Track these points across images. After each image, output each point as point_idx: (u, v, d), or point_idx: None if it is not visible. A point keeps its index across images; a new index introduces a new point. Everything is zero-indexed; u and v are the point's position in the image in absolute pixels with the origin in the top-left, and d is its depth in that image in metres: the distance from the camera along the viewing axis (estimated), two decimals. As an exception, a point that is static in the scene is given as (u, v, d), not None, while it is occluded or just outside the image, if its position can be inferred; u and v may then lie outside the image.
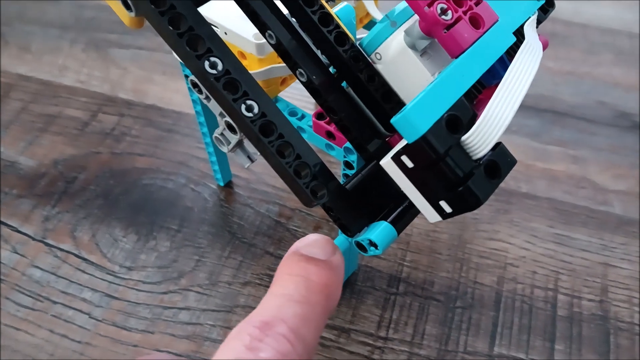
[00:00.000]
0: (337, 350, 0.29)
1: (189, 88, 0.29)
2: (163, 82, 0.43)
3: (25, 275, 0.32)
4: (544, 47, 0.24)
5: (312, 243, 0.18)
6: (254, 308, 0.30)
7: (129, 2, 0.18)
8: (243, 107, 0.17)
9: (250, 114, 0.17)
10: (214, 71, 0.17)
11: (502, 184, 0.34)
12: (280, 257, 0.33)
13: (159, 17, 0.17)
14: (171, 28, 0.17)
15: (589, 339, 0.30)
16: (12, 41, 0.47)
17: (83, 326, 0.30)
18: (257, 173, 0.37)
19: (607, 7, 0.49)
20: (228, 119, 0.18)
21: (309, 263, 0.17)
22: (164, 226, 0.34)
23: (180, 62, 0.27)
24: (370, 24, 0.29)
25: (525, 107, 0.40)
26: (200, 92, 0.18)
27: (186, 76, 0.29)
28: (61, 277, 0.32)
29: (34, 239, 0.34)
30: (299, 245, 0.18)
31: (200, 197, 0.36)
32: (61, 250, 0.33)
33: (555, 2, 0.25)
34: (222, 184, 0.36)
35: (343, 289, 0.31)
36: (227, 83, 0.17)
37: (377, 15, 0.27)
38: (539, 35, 0.22)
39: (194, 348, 0.29)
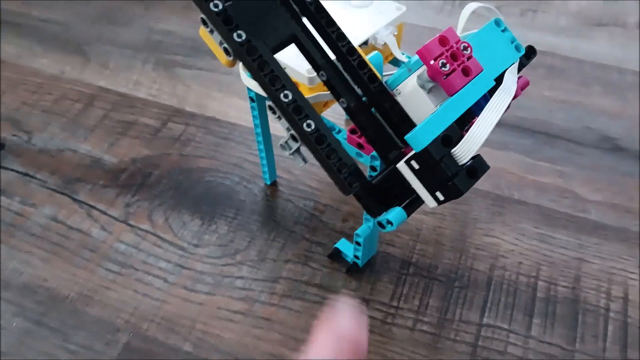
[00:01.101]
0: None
1: (252, 107, 0.38)
2: (220, 98, 0.51)
3: (112, 248, 0.41)
4: (524, 86, 0.31)
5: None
6: (293, 280, 0.40)
7: (229, 50, 0.26)
8: (305, 124, 0.25)
9: (309, 129, 0.25)
10: (286, 100, 0.25)
11: (497, 192, 0.42)
12: (315, 243, 0.41)
13: (251, 63, 0.25)
14: (259, 71, 0.25)
15: (561, 316, 0.37)
16: (93, 59, 0.56)
17: (160, 288, 0.38)
18: (296, 175, 0.45)
19: (601, 45, 0.56)
20: (293, 132, 0.27)
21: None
22: (222, 214, 0.42)
23: (247, 87, 0.36)
24: (393, 60, 0.37)
25: (522, 129, 0.48)
26: (274, 113, 0.27)
27: (251, 98, 0.37)
28: (141, 250, 0.41)
29: (118, 220, 0.42)
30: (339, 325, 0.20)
31: (251, 193, 0.44)
32: (141, 229, 0.42)
33: (556, 39, 0.32)
34: (268, 182, 0.44)
35: (365, 268, 0.39)
36: (295, 108, 0.25)
37: (399, 55, 0.35)
38: (521, 76, 0.30)
39: (247, 307, 0.37)
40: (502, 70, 0.27)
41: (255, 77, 0.26)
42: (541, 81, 0.52)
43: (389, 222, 0.26)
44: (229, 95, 0.52)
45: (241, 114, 0.50)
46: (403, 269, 0.39)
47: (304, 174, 0.45)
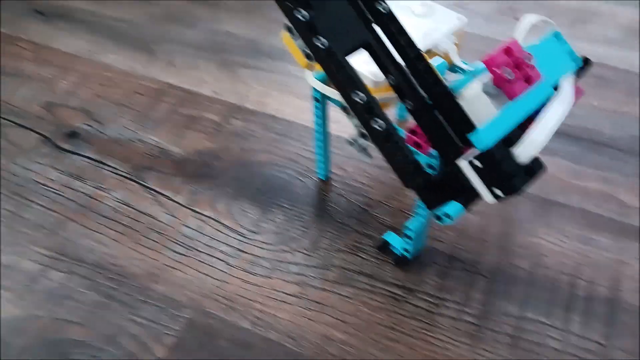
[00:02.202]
0: (405, 303, 0.39)
1: (315, 106, 0.40)
2: (278, 97, 0.55)
3: (178, 232, 0.44)
4: (580, 95, 0.33)
5: None
6: (344, 268, 0.42)
7: (310, 54, 0.29)
8: (375, 123, 0.28)
9: (379, 128, 0.28)
10: (359, 100, 0.28)
11: (543, 195, 0.44)
12: (364, 235, 0.43)
13: (330, 66, 0.28)
14: (337, 73, 0.28)
15: (600, 314, 0.39)
16: (160, 57, 0.60)
17: (221, 269, 0.42)
18: (349, 172, 0.48)
19: (649, 56, 0.57)
20: (362, 129, 0.29)
21: None
22: (279, 204, 0.46)
23: (313, 88, 0.39)
24: (451, 67, 0.40)
25: (569, 136, 0.50)
26: (347, 112, 0.29)
27: (316, 99, 0.40)
28: (205, 235, 0.44)
29: (183, 206, 0.46)
30: None
31: (306, 186, 0.47)
32: (204, 215, 0.45)
33: (605, 50, 0.33)
34: (323, 177, 0.47)
35: (412, 261, 0.42)
36: (367, 108, 0.28)
37: (459, 62, 0.37)
38: (577, 86, 0.32)
39: (301, 290, 0.40)
40: (560, 79, 0.30)
41: (332, 79, 0.28)
42: (590, 90, 0.53)
43: (447, 216, 0.29)
44: (286, 94, 0.55)
45: (297, 112, 0.53)
46: (449, 263, 0.42)
47: (356, 171, 0.48)
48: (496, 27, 0.61)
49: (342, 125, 0.46)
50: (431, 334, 0.38)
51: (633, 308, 0.39)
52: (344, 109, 0.29)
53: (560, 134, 0.50)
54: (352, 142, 0.31)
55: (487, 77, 0.28)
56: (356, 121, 0.29)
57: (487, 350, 0.37)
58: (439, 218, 0.29)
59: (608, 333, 0.38)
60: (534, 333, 0.38)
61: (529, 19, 0.31)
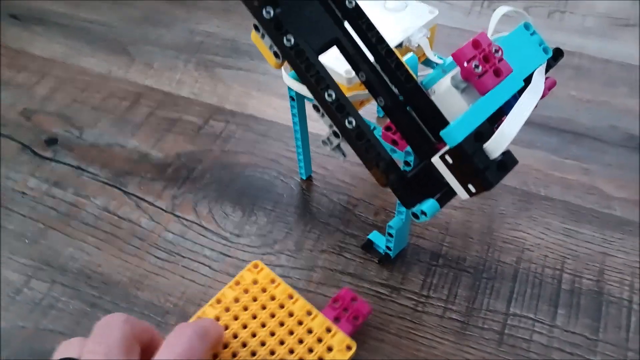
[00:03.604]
0: (390, 302, 0.39)
1: (291, 105, 0.40)
2: (259, 97, 0.54)
3: (160, 237, 0.44)
4: (551, 86, 0.33)
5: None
6: (328, 269, 0.42)
7: (278, 53, 0.28)
8: (347, 121, 0.28)
9: (350, 126, 0.28)
10: (330, 99, 0.28)
11: (524, 188, 0.44)
12: (348, 234, 0.43)
13: (299, 65, 0.28)
14: (307, 72, 0.28)
15: (585, 307, 0.38)
16: (138, 59, 0.59)
17: (205, 274, 0.41)
18: (331, 171, 0.47)
19: (628, 46, 0.57)
20: (335, 128, 0.29)
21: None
22: (261, 206, 0.45)
23: (288, 87, 0.38)
24: (425, 61, 0.39)
25: (549, 127, 0.50)
26: (318, 111, 0.29)
27: (291, 97, 0.40)
28: (188, 240, 0.43)
29: (165, 211, 0.45)
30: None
31: (288, 187, 0.47)
32: (187, 220, 0.45)
33: (583, 40, 0.32)
34: (304, 177, 0.47)
35: (396, 259, 0.41)
36: (338, 106, 0.28)
37: (432, 56, 0.37)
38: (548, 77, 0.32)
39: (286, 293, 0.40)
40: (531, 72, 0.29)
41: (302, 78, 0.28)
42: (568, 81, 0.54)
43: (423, 213, 0.28)
44: (266, 94, 0.54)
45: (278, 112, 0.52)
46: (433, 261, 0.41)
47: (337, 169, 0.47)
48: (476, 19, 0.60)
49: (322, 123, 0.45)
50: (417, 333, 0.38)
51: (618, 300, 0.39)
52: (315, 107, 0.29)
53: (540, 125, 0.50)
54: (325, 142, 0.30)
55: (456, 70, 0.27)
56: (328, 120, 0.29)
57: (473, 348, 0.37)
58: (415, 216, 0.29)
59: (594, 326, 0.37)
60: (520, 329, 0.38)
61: (499, 11, 0.31)
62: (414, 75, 0.30)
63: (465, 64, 0.27)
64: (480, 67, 0.27)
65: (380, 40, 0.29)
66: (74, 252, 0.43)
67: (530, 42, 0.30)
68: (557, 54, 0.33)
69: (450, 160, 0.26)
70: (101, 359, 0.25)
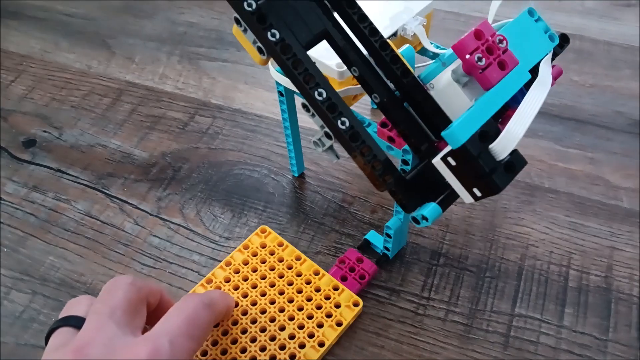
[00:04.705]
0: (389, 305, 0.37)
1: (280, 101, 0.38)
2: (246, 90, 0.52)
3: (146, 242, 0.42)
4: (557, 75, 0.31)
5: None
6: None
7: (263, 49, 0.26)
8: (339, 122, 0.25)
9: (343, 127, 0.25)
10: (320, 98, 0.25)
11: (527, 180, 0.42)
12: (344, 234, 0.41)
13: (286, 62, 0.25)
14: (294, 69, 0.25)
15: (594, 305, 0.37)
16: (118, 52, 0.56)
17: (194, 281, 0.39)
18: (324, 167, 0.45)
19: (630, 26, 0.55)
20: (327, 129, 0.27)
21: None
22: (252, 207, 0.43)
23: (276, 82, 0.36)
24: (421, 50, 0.37)
25: (551, 116, 0.47)
26: (308, 110, 0.27)
27: (280, 92, 0.37)
28: (175, 244, 0.41)
29: (150, 214, 0.43)
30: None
31: (280, 185, 0.44)
32: (173, 223, 0.42)
33: (583, 21, 0.30)
34: (296, 174, 0.45)
35: (395, 259, 0.39)
36: (329, 106, 0.25)
37: (428, 45, 0.35)
38: (554, 65, 0.30)
39: (280, 300, 0.38)
40: (537, 62, 0.27)
41: (289, 75, 0.26)
42: (569, 65, 0.51)
43: (424, 218, 0.26)
44: (254, 87, 0.52)
45: (267, 105, 0.50)
46: (433, 260, 0.39)
47: (331, 165, 0.45)
48: (471, 1, 0.58)
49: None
50: (419, 338, 0.36)
51: (628, 297, 0.37)
52: (305, 107, 0.27)
53: (542, 113, 0.48)
54: (317, 143, 0.28)
55: (457, 63, 0.25)
56: (319, 120, 0.26)
57: (477, 352, 0.35)
58: (416, 221, 0.27)
59: (603, 325, 0.36)
60: (526, 330, 0.36)
61: (500, -3, 0.28)
62: (411, 69, 0.28)
63: (467, 57, 0.24)
64: (484, 60, 0.24)
65: (374, 31, 0.27)
66: (55, 261, 0.41)
67: (535, 29, 0.27)
68: (563, 40, 0.30)
69: (453, 162, 0.24)
70: (105, 319, 0.26)
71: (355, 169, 0.45)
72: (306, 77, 0.25)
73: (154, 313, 0.30)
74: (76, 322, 0.27)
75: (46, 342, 0.28)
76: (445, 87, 0.26)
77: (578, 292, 0.37)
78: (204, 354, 0.34)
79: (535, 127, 0.47)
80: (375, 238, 0.39)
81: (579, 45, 0.53)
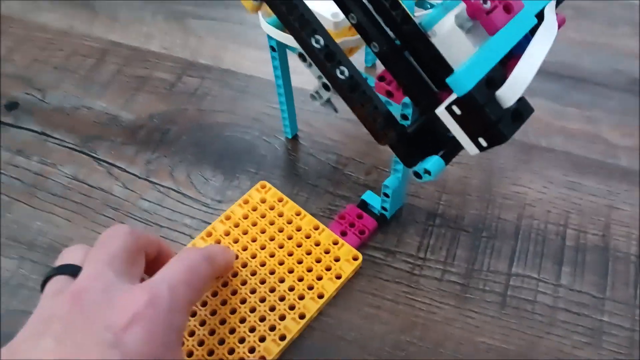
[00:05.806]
0: (385, 266, 0.37)
1: (272, 57, 0.36)
2: (235, 50, 0.50)
3: (135, 206, 0.40)
4: (561, 23, 0.30)
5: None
6: None
7: (255, -6, 0.25)
8: (338, 71, 0.24)
9: (342, 77, 0.24)
10: (318, 45, 0.24)
11: (524, 139, 0.41)
12: (338, 196, 0.40)
13: (280, 6, 0.24)
14: (289, 15, 0.24)
15: (591, 264, 0.36)
16: (101, 12, 0.54)
17: (186, 244, 0.38)
18: (318, 128, 0.44)
19: (630, -17, 0.54)
20: (324, 80, 0.25)
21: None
22: (244, 169, 0.42)
23: (267, 35, 0.34)
24: (419, 3, 0.36)
25: (548, 73, 0.46)
26: (304, 60, 0.25)
27: (272, 47, 0.36)
28: (165, 207, 0.40)
29: (139, 177, 0.42)
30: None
31: (272, 147, 0.43)
32: (163, 186, 0.41)
33: None
34: (289, 136, 0.43)
35: (390, 221, 0.39)
36: (327, 54, 0.24)
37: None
38: (557, 13, 0.29)
39: (274, 262, 0.37)
40: (542, 6, 0.26)
41: (284, 22, 0.24)
42: (567, 22, 0.49)
43: (427, 172, 0.25)
44: (243, 46, 0.50)
45: (257, 65, 0.48)
46: (429, 221, 0.39)
47: (325, 126, 0.44)
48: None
49: (307, 76, 0.42)
50: (415, 298, 0.35)
51: (625, 255, 0.37)
52: (301, 56, 0.25)
53: (539, 71, 0.46)
54: (314, 96, 0.27)
55: (461, 8, 0.24)
56: (316, 71, 0.25)
57: (474, 311, 0.35)
58: (418, 175, 0.26)
59: (601, 284, 0.36)
60: (523, 289, 0.35)
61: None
62: (412, 15, 0.26)
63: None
64: (489, 3, 0.23)
65: (373, -25, 0.25)
66: (42, 226, 0.39)
67: (541, -26, 0.26)
68: (567, -11, 0.29)
69: (458, 112, 0.23)
70: (104, 266, 0.26)
71: (350, 129, 0.44)
72: (302, 23, 0.24)
73: (152, 264, 0.30)
74: (72, 270, 0.27)
75: (42, 291, 0.27)
76: (448, 33, 0.25)
77: (575, 251, 0.37)
78: (204, 304, 0.34)
79: (532, 86, 0.45)
80: (372, 198, 0.38)
81: (577, 2, 0.52)
